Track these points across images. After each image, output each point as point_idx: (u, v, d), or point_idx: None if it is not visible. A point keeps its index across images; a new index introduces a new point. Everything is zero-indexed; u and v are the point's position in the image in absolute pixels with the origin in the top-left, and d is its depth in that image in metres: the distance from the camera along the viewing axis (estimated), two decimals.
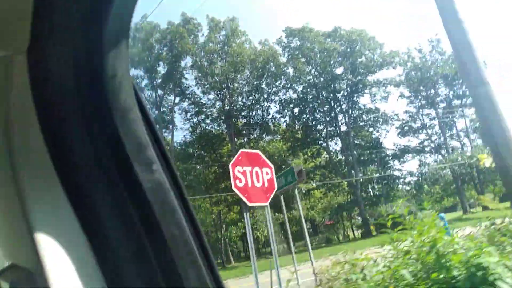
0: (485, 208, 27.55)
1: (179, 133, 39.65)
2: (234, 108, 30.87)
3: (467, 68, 3.24)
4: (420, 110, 33.02)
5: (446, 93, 32.73)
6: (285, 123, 32.83)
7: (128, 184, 0.55)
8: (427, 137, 32.36)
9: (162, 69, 29.64)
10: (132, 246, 0.55)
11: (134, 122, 0.56)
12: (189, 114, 30.92)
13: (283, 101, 32.23)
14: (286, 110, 32.24)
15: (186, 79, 30.58)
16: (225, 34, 29.76)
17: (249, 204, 4.79)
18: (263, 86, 31.62)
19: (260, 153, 5.42)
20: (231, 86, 30.52)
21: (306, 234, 7.83)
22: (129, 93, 0.57)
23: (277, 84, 31.95)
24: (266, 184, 5.12)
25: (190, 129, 31.09)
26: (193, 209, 0.61)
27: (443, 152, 31.71)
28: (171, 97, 30.73)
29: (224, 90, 30.58)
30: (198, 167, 31.37)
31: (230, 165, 4.83)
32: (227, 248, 33.27)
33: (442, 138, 32.11)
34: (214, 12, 39.45)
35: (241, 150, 5.38)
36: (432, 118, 32.30)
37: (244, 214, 4.82)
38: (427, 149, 32.32)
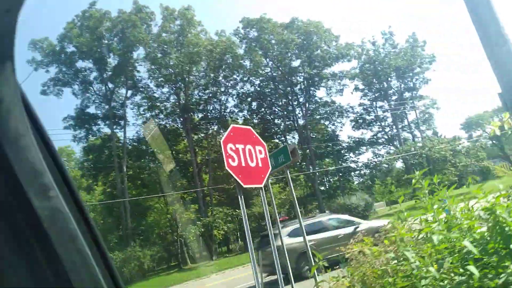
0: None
1: (132, 129, 42.33)
2: (190, 102, 34.22)
3: (485, 24, 3.19)
4: (374, 102, 39.18)
5: (397, 86, 39.15)
6: (243, 118, 37.15)
7: (24, 214, 0.59)
8: (380, 129, 38.75)
9: (112, 60, 31.64)
10: (31, 279, 0.58)
11: (27, 149, 0.61)
12: (142, 108, 33.65)
13: (241, 94, 36.35)
14: (244, 104, 36.52)
15: (138, 71, 32.98)
16: (180, 24, 32.47)
17: (244, 186, 4.84)
18: (221, 78, 35.17)
19: (252, 129, 5.54)
20: (187, 79, 33.63)
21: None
22: (20, 118, 0.62)
23: (234, 77, 35.71)
24: (260, 164, 5.21)
25: (143, 124, 34.27)
26: (97, 231, 0.70)
27: (395, 143, 38.24)
28: (123, 91, 33.03)
29: (179, 83, 33.55)
30: (152, 165, 34.49)
31: (221, 142, 4.92)
32: (183, 249, 37.57)
33: (394, 130, 38.66)
34: (168, 1, 42.10)
35: (232, 125, 5.45)
36: (385, 110, 38.56)
37: (239, 197, 4.77)
38: (380, 141, 38.71)
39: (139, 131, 34.16)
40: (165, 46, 32.19)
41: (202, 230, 29.15)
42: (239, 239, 42.12)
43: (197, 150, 35.52)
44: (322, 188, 36.43)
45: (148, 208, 35.40)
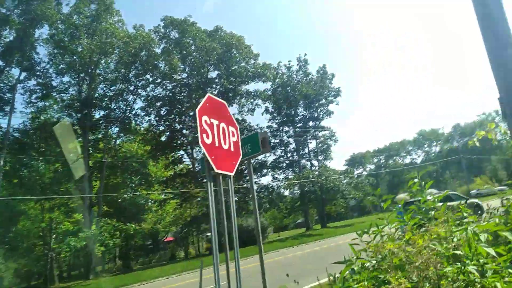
0: (324, 225, 46.73)
1: (18, 118, 43.73)
2: (92, 96, 38.08)
3: (493, 26, 3.55)
4: (281, 126, 50.52)
5: (304, 114, 51.36)
6: (149, 122, 43.13)
7: None
8: (283, 154, 50.15)
9: (8, 34, 33.80)
10: None
11: None
12: (34, 96, 36.29)
13: (150, 97, 42.44)
14: (152, 108, 42.72)
15: (37, 53, 35.91)
16: (95, 8, 36.70)
17: (216, 171, 4.93)
18: (131, 76, 40.52)
19: (226, 105, 5.89)
20: (93, 71, 37.90)
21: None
22: None
23: (147, 77, 41.42)
24: (232, 148, 5.49)
25: (33, 114, 36.70)
26: None
27: (295, 169, 49.80)
28: (15, 72, 35.22)
29: (84, 74, 37.62)
30: (35, 162, 37.10)
31: (197, 111, 5.03)
32: (53, 265, 38.58)
33: (296, 156, 50.42)
34: None
35: (208, 94, 5.63)
36: (290, 136, 50.20)
37: (208, 185, 4.82)
38: (282, 165, 50.00)
39: (27, 121, 36.72)
40: (75, 30, 35.91)
41: (83, 243, 30.97)
42: (117, 258, 47.20)
43: (91, 151, 40.03)
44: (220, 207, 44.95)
45: (21, 212, 36.81)
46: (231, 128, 5.83)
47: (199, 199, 44.15)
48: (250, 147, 6.41)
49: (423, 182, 4.15)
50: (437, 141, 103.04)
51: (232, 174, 5.47)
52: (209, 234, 54.00)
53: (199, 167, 45.38)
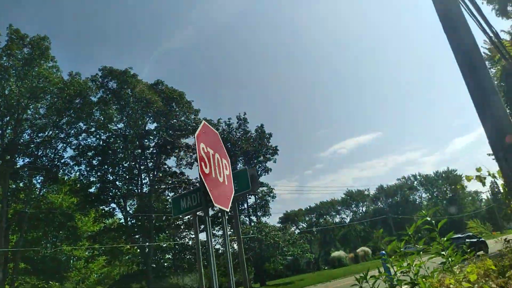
0: (263, 283, 44.72)
1: None
2: (17, 142, 35.58)
3: (479, 75, 3.84)
4: None
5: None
6: (78, 173, 40.17)
7: None
8: None
9: None
10: None
11: None
12: None
13: (82, 146, 39.93)
14: (83, 158, 39.90)
15: None
16: (29, 52, 35.12)
17: (214, 204, 4.71)
18: (63, 123, 38.30)
19: (219, 135, 5.60)
20: (21, 115, 35.65)
21: None
22: None
23: (80, 125, 39.55)
24: (226, 182, 5.23)
25: None
26: None
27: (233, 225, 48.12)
28: None
29: (9, 118, 35.20)
30: None
31: (195, 136, 4.80)
32: None
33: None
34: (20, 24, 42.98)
35: (204, 121, 5.34)
36: None
37: (207, 219, 4.63)
38: (220, 219, 48.10)
39: None
40: (4, 72, 33.88)
41: None
42: None
43: (10, 201, 35.90)
44: (155, 265, 41.67)
45: None
46: (224, 161, 5.50)
47: (129, 256, 40.57)
48: (237, 184, 5.96)
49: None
50: (363, 201, 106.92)
51: (227, 209, 5.21)
52: None
53: (133, 221, 42.40)
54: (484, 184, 4.87)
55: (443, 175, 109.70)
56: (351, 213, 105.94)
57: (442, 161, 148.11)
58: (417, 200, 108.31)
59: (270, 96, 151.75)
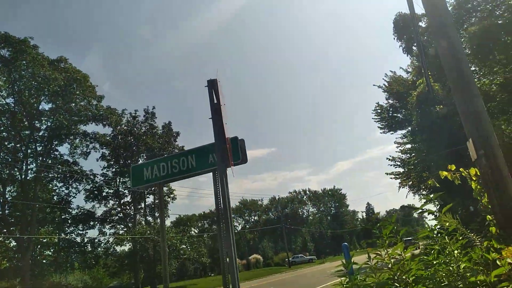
0: (153, 286, 41.86)
1: None
2: None
3: (462, 80, 4.02)
4: (119, 176, 45.62)
5: None
6: None
7: None
8: (117, 206, 44.69)
9: None
10: None
11: None
12: None
13: None
14: None
15: None
16: None
17: (232, 164, 4.97)
18: None
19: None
20: None
21: None
22: None
23: None
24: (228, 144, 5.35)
25: None
26: None
27: (129, 224, 44.69)
28: None
29: None
30: None
31: (217, 80, 5.05)
32: None
33: (132, 210, 45.56)
34: None
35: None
36: (127, 187, 45.49)
37: (224, 180, 4.92)
38: (114, 218, 44.32)
39: None
40: None
41: None
42: None
43: None
44: (32, 262, 36.37)
45: None
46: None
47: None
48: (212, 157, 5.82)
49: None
50: (256, 211, 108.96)
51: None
52: None
53: (9, 209, 36.69)
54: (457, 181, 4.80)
55: (329, 192, 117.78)
56: (243, 221, 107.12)
57: (326, 181, 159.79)
58: (305, 214, 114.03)
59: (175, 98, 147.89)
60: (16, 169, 36.63)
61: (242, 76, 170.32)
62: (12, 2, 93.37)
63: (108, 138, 44.93)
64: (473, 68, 21.23)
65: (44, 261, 39.54)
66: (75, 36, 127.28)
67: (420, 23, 23.87)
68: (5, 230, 35.27)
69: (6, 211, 35.91)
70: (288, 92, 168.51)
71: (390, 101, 29.11)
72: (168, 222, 53.85)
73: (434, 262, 3.31)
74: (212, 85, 4.93)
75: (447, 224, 3.36)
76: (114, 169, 45.63)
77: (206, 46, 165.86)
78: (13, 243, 36.48)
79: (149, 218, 46.58)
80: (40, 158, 38.36)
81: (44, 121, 39.50)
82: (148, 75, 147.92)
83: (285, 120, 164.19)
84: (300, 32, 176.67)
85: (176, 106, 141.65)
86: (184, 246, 42.77)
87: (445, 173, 3.73)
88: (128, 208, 45.56)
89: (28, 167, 37.44)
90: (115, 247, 42.02)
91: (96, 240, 41.44)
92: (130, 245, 42.46)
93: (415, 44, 24.14)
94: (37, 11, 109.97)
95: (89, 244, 40.79)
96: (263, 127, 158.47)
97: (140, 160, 47.15)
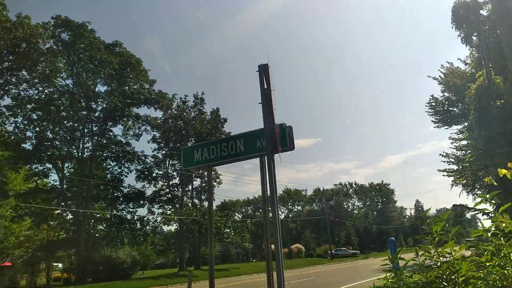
0: (198, 267, 43.30)
1: None
2: None
3: None
4: (167, 159, 47.26)
5: None
6: (14, 125, 36.10)
7: None
8: (166, 187, 46.47)
9: None
10: None
11: None
12: None
13: (21, 97, 35.79)
14: (20, 110, 35.89)
15: None
16: None
17: (280, 150, 5.23)
18: (3, 69, 34.02)
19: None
20: None
21: None
22: None
23: (23, 73, 35.34)
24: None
25: None
26: None
27: (176, 205, 46.34)
28: None
29: None
30: None
31: (268, 65, 5.24)
32: None
33: (180, 191, 47.19)
34: None
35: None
36: (176, 170, 47.07)
37: (272, 166, 5.11)
38: (163, 198, 46.14)
39: None
40: None
41: None
42: None
43: None
44: (86, 235, 38.81)
45: None
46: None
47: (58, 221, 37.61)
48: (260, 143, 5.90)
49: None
50: (299, 201, 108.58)
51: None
52: (59, 264, 45.99)
53: (70, 185, 39.26)
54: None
55: (377, 187, 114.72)
56: (286, 211, 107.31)
57: (373, 175, 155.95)
58: (350, 207, 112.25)
59: (230, 85, 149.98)
60: (73, 147, 38.92)
61: (291, 64, 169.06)
62: None
63: (159, 121, 46.58)
64: None
65: (97, 235, 42.10)
66: (134, 22, 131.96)
67: (481, 11, 22.45)
68: (62, 204, 37.74)
69: (64, 186, 38.37)
70: (337, 81, 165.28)
71: (446, 94, 27.82)
72: (213, 206, 54.98)
73: (487, 264, 3.18)
74: (263, 70, 4.95)
75: (504, 225, 3.21)
76: (164, 152, 47.32)
77: (257, 35, 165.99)
78: (70, 216, 39.06)
79: (196, 201, 47.96)
80: (96, 138, 40.46)
81: (100, 102, 41.65)
82: (203, 61, 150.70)
83: (333, 111, 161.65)
84: (351, 18, 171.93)
85: (227, 91, 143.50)
86: (228, 230, 43.65)
87: (504, 171, 3.54)
88: (176, 189, 47.18)
89: (85, 146, 39.72)
90: (162, 226, 43.78)
91: (145, 219, 43.45)
92: (176, 225, 44.15)
93: (476, 34, 22.77)
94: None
95: (138, 222, 42.82)
96: (310, 116, 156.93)
97: (189, 144, 48.44)
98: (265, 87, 4.94)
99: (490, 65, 18.00)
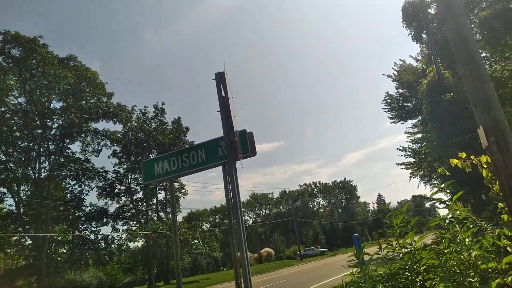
0: (167, 282, 42.37)
1: None
2: None
3: (472, 65, 3.86)
4: (130, 173, 46.08)
5: None
6: None
7: None
8: (129, 202, 45.23)
9: None
10: None
11: None
12: None
13: None
14: None
15: None
16: None
17: (241, 159, 5.16)
18: None
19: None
20: None
21: None
22: None
23: None
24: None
25: None
26: None
27: (141, 220, 45.20)
28: None
29: None
30: None
31: (224, 71, 5.22)
32: None
33: (144, 206, 46.05)
34: None
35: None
36: (138, 184, 45.97)
37: (233, 173, 5.08)
38: (127, 214, 44.85)
39: None
40: None
41: None
42: None
43: None
44: (47, 259, 37.00)
45: None
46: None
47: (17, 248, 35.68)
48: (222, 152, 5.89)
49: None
50: (266, 204, 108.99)
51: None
52: None
53: (24, 208, 37.36)
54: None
55: (340, 184, 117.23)
56: (254, 215, 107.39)
57: (335, 173, 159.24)
58: (315, 207, 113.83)
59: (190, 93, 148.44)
60: (29, 168, 37.16)
61: (247, 69, 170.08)
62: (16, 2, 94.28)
63: (119, 135, 45.37)
64: (484, 54, 20.83)
65: (59, 258, 40.24)
66: (72, 34, 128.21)
67: (429, 10, 23.50)
68: (20, 229, 35.86)
69: (21, 210, 36.50)
70: (294, 84, 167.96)
71: (400, 91, 28.83)
72: (179, 218, 54.58)
73: (445, 251, 3.29)
74: (220, 78, 4.95)
75: (458, 212, 3.33)
76: (125, 166, 46.13)
77: (210, 38, 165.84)
78: (29, 241, 37.14)
79: (161, 214, 47.04)
80: (53, 157, 38.83)
81: (55, 119, 40.07)
82: (153, 71, 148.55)
83: (293, 113, 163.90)
84: (307, 22, 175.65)
85: (184, 100, 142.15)
86: (196, 241, 43.06)
87: (455, 161, 3.68)
88: (140, 204, 46.04)
89: (42, 166, 37.98)
90: (128, 243, 42.51)
91: (110, 237, 42.06)
92: (143, 241, 43.00)
93: (425, 32, 23.79)
94: (33, 11, 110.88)
95: (102, 241, 41.44)
96: (271, 120, 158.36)
97: (151, 156, 47.46)
98: (223, 94, 4.92)
99: (439, 60, 18.82)
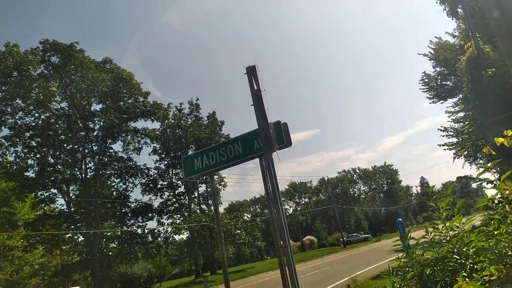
0: (213, 272, 43.42)
1: None
2: None
3: (499, 21, 3.93)
4: (170, 168, 47.33)
5: None
6: (14, 155, 36.14)
7: None
8: (172, 197, 46.56)
9: None
10: None
11: None
12: None
13: (18, 126, 36.07)
14: (19, 139, 36.07)
15: None
16: None
17: (277, 148, 5.07)
18: None
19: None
20: None
21: None
22: None
23: (18, 102, 35.60)
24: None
25: None
26: None
27: (184, 213, 46.49)
28: None
29: None
30: None
31: (256, 66, 5.05)
32: None
33: (185, 199, 47.30)
34: None
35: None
36: (180, 178, 47.14)
37: (270, 166, 5.01)
38: (170, 208, 46.22)
39: None
40: None
41: None
42: None
43: None
44: (99, 254, 38.82)
45: None
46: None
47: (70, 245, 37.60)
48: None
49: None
50: (306, 193, 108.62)
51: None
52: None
53: (76, 208, 39.31)
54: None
55: (380, 169, 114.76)
56: (293, 204, 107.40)
57: (375, 158, 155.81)
58: (356, 193, 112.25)
59: (222, 87, 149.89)
60: (76, 169, 38.93)
61: (277, 60, 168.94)
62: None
63: (157, 132, 46.61)
64: None
65: (110, 253, 42.15)
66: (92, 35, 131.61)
67: None
68: (72, 227, 37.78)
69: (72, 209, 38.41)
70: (325, 70, 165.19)
71: (438, 69, 27.75)
72: (221, 209, 55.65)
73: (495, 233, 3.19)
74: (251, 72, 4.97)
75: (507, 192, 3.21)
76: (166, 162, 47.39)
77: (241, 26, 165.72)
78: (81, 238, 39.11)
79: (203, 206, 48.03)
80: (97, 157, 40.43)
81: (96, 121, 41.61)
82: (187, 66, 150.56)
83: (326, 100, 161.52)
84: (336, 1, 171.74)
85: (219, 95, 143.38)
86: (238, 231, 43.70)
87: (501, 139, 3.53)
88: (182, 198, 47.27)
89: (87, 166, 39.68)
90: (173, 236, 43.76)
91: (156, 231, 43.48)
92: (187, 233, 44.18)
93: (460, 6, 22.68)
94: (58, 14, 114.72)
95: (149, 235, 42.89)
96: (305, 109, 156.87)
97: (190, 151, 48.53)
98: (255, 88, 4.94)
99: (477, 35, 17.89)
